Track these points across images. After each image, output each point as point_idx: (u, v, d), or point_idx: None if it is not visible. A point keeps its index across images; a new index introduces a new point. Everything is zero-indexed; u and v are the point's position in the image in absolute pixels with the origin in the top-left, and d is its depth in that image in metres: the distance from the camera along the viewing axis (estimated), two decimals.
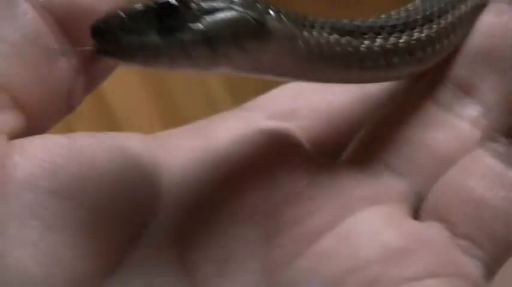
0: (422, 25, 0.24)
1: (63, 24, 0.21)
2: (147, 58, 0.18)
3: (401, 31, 0.23)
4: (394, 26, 0.23)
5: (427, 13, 0.24)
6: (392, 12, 0.24)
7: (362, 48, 0.22)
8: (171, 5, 0.18)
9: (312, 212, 0.21)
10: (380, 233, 0.21)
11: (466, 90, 0.24)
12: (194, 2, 0.18)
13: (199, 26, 0.18)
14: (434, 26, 0.24)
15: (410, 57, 0.23)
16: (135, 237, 0.21)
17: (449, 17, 0.24)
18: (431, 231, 0.22)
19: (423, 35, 0.24)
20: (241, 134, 0.23)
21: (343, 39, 0.22)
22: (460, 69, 0.25)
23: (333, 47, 0.21)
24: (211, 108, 1.10)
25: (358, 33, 0.22)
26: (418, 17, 0.24)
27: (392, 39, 0.23)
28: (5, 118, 0.20)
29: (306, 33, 0.21)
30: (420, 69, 0.24)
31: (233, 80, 1.19)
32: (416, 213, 0.23)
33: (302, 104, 0.25)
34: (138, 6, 0.18)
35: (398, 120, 0.24)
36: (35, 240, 0.19)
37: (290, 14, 0.21)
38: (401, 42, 0.23)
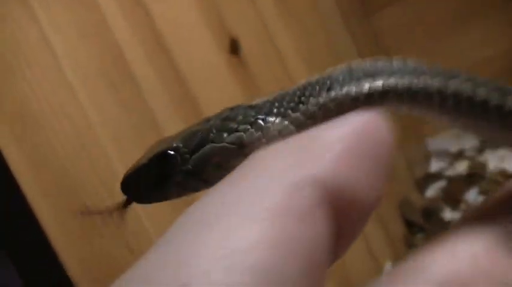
0: None
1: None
2: (159, 198, 0.23)
3: None
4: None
5: None
6: None
7: None
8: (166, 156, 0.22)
9: None
10: None
11: None
12: (181, 151, 0.22)
13: (188, 167, 0.22)
14: None
15: None
16: None
17: None
18: None
19: None
20: None
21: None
22: None
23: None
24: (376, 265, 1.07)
25: None
26: None
27: None
28: None
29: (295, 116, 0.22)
30: None
31: (395, 244, 1.15)
32: None
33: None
34: (144, 161, 0.22)
35: None
36: None
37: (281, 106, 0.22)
38: None
